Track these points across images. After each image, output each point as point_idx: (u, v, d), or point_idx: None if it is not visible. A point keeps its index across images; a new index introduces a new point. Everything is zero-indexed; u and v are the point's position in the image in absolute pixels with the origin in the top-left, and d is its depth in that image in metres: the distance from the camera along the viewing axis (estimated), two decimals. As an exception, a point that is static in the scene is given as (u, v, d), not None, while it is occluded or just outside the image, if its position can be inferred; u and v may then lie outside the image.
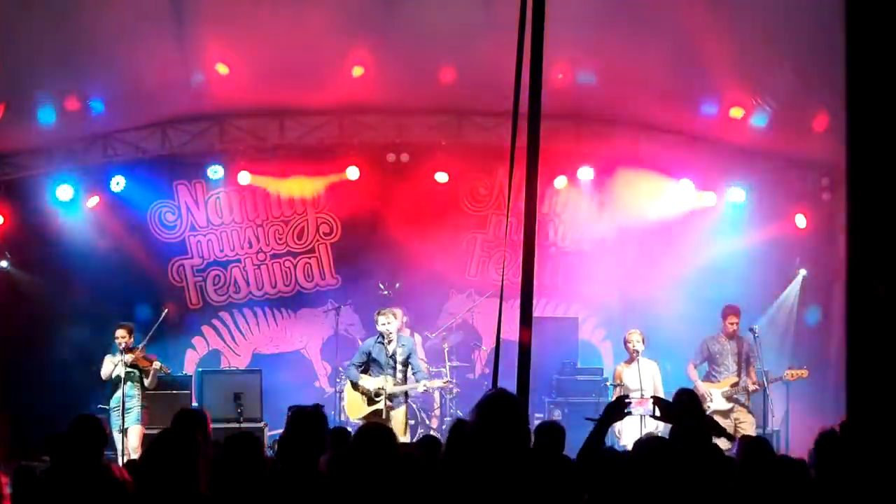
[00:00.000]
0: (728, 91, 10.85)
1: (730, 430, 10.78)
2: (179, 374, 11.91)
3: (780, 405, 11.23)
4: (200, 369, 12.32)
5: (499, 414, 3.95)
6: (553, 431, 6.28)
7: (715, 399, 10.87)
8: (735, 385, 10.87)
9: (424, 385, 10.55)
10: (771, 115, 10.96)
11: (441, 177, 12.96)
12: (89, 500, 4.99)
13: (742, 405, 10.87)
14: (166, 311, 11.50)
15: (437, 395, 12.04)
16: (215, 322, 13.24)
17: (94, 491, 5.00)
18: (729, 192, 12.90)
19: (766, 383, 10.69)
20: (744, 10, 9.14)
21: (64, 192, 12.43)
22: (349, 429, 7.63)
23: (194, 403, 11.43)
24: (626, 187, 13.13)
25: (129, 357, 10.47)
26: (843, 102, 2.25)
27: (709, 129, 11.96)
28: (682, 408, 6.15)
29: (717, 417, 10.83)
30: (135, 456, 10.29)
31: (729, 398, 10.88)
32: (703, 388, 10.85)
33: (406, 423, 10.54)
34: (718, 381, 11.00)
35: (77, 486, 5.02)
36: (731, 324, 11.05)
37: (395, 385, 10.35)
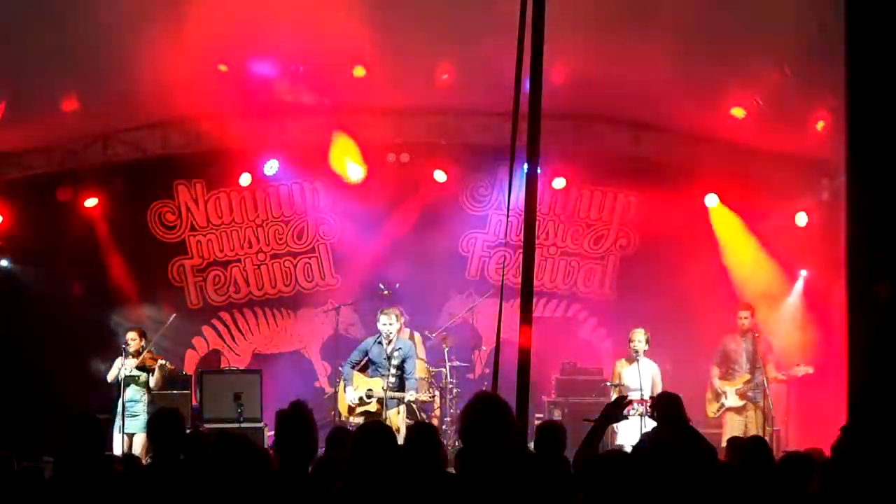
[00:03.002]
0: (728, 90, 10.84)
1: (741, 427, 10.77)
2: (179, 374, 11.91)
3: (780, 405, 11.24)
4: (200, 369, 12.32)
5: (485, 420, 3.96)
6: (553, 431, 6.27)
7: (729, 396, 10.97)
8: (749, 382, 10.91)
9: (412, 395, 10.51)
10: (771, 114, 10.95)
11: (441, 177, 12.94)
12: (89, 498, 4.99)
13: (755, 403, 10.88)
14: (173, 315, 11.61)
15: (437, 395, 12.03)
16: (215, 322, 13.23)
17: (93, 489, 5.00)
18: (729, 192, 12.88)
19: (765, 383, 10.72)
20: (744, 10, 9.13)
21: (64, 192, 12.41)
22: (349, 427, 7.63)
23: (194, 403, 11.44)
24: (627, 187, 13.14)
25: (136, 360, 10.49)
26: (843, 102, 2.25)
27: (709, 128, 11.94)
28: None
29: (730, 414, 10.91)
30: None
31: (742, 395, 10.93)
32: (718, 385, 10.95)
33: (402, 423, 10.48)
34: (734, 380, 11.06)
35: (77, 485, 5.02)
36: (743, 318, 11.07)
37: (387, 389, 10.32)
